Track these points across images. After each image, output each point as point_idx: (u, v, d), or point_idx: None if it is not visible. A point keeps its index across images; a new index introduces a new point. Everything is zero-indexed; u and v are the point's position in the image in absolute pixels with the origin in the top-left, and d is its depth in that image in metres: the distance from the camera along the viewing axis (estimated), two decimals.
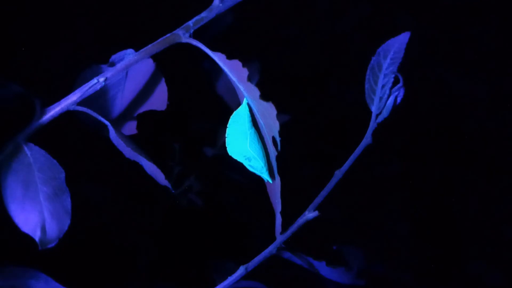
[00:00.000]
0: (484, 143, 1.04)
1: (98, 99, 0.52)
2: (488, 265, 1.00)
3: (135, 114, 0.55)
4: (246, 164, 0.44)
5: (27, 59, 0.78)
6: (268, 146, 0.44)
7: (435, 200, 1.03)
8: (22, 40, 0.78)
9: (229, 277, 0.50)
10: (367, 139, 0.48)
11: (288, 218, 0.48)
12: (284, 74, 0.99)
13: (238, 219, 0.89)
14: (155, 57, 0.48)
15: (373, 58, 0.46)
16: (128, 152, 0.44)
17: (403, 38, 0.45)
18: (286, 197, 0.44)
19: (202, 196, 0.82)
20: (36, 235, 0.40)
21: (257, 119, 0.44)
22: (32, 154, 0.43)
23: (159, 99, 0.54)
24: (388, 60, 0.46)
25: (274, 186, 0.44)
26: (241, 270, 0.50)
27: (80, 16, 0.82)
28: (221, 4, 0.46)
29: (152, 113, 0.55)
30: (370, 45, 0.48)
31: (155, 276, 0.81)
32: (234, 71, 0.42)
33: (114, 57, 0.49)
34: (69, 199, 0.42)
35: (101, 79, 0.45)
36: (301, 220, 0.49)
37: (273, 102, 0.41)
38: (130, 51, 0.47)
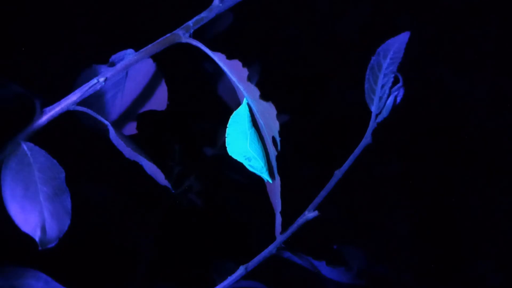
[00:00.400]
0: (484, 143, 1.04)
1: (98, 99, 0.52)
2: (488, 265, 1.00)
3: (135, 114, 0.55)
4: (246, 164, 0.44)
5: (27, 59, 0.78)
6: (268, 146, 0.44)
7: (435, 200, 1.03)
8: (22, 40, 0.78)
9: (229, 277, 0.50)
10: (367, 139, 0.48)
11: (288, 218, 0.48)
12: (284, 74, 0.99)
13: (238, 219, 0.89)
14: (155, 57, 0.48)
15: (373, 58, 0.46)
16: (128, 152, 0.44)
17: (402, 38, 0.45)
18: (286, 197, 0.44)
19: (202, 196, 0.82)
20: (36, 235, 0.40)
21: (257, 119, 0.44)
22: (32, 154, 0.43)
23: (159, 99, 0.54)
24: (388, 60, 0.46)
25: (274, 186, 0.44)
26: (241, 270, 0.50)
27: (80, 16, 0.83)
28: (221, 4, 0.46)
29: (152, 113, 0.55)
30: (370, 45, 0.48)
31: (155, 276, 0.81)
32: (234, 71, 0.42)
33: (114, 57, 0.49)
34: (69, 199, 0.42)
35: (101, 79, 0.45)
36: (301, 220, 0.49)
37: (273, 102, 0.41)
38: (130, 51, 0.47)
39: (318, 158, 0.97)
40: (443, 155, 1.03)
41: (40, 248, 0.40)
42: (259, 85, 0.41)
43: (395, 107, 0.47)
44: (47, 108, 0.45)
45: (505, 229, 1.01)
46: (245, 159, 0.44)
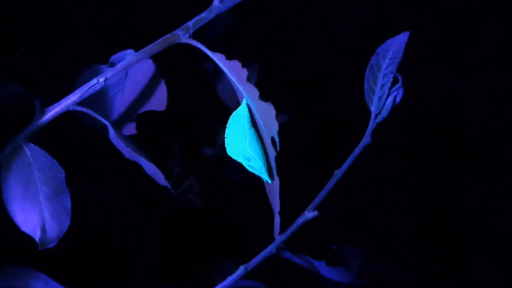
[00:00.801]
0: (484, 143, 1.04)
1: (98, 99, 0.52)
2: (488, 265, 1.00)
3: (135, 115, 0.55)
4: (245, 164, 0.44)
5: (27, 59, 0.78)
6: (267, 146, 0.44)
7: (435, 200, 1.03)
8: (22, 40, 0.78)
9: (228, 277, 0.50)
10: (366, 139, 0.48)
11: (288, 218, 0.48)
12: (283, 74, 0.99)
13: (238, 219, 0.89)
14: (155, 57, 0.49)
15: (372, 58, 0.46)
16: (128, 152, 0.44)
17: (402, 38, 0.45)
18: (285, 197, 0.44)
19: (202, 196, 0.82)
20: (36, 235, 0.40)
21: (256, 120, 0.44)
22: (32, 154, 0.43)
23: (158, 99, 0.54)
24: (387, 60, 0.46)
25: (273, 186, 0.44)
26: (240, 270, 0.50)
27: (80, 16, 0.83)
28: (220, 5, 0.46)
29: (151, 113, 0.55)
30: (370, 45, 0.48)
31: (155, 276, 0.81)
32: (233, 72, 0.42)
33: (114, 57, 0.49)
34: (69, 199, 0.42)
35: (101, 79, 0.45)
36: (300, 220, 0.49)
37: (273, 103, 0.41)
38: (130, 51, 0.47)
39: (317, 158, 0.97)
40: (443, 155, 1.03)
41: (40, 248, 0.40)
42: (258, 85, 0.41)
43: (394, 107, 0.47)
44: (47, 108, 0.45)
45: (505, 229, 1.01)
46: (245, 159, 0.44)
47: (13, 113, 0.49)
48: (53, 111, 0.45)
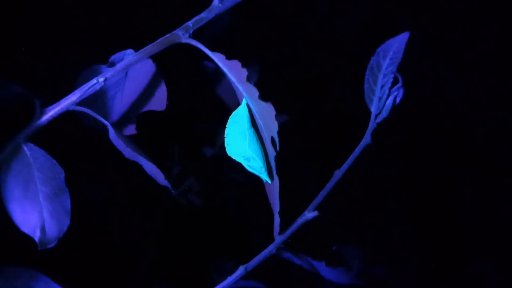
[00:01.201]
0: (484, 143, 1.04)
1: (98, 99, 0.52)
2: (488, 265, 1.00)
3: (135, 114, 0.55)
4: (245, 164, 0.44)
5: (27, 59, 0.78)
6: (267, 146, 0.44)
7: (435, 200, 1.03)
8: (22, 40, 0.78)
9: (228, 277, 0.50)
10: (366, 139, 0.48)
11: (288, 218, 0.48)
12: (283, 74, 0.99)
13: (238, 219, 0.89)
14: (154, 57, 0.49)
15: (373, 58, 0.46)
16: (128, 152, 0.44)
17: (402, 38, 0.45)
18: (285, 197, 0.44)
19: (202, 196, 0.82)
20: (36, 235, 0.40)
21: (256, 119, 0.44)
22: (31, 154, 0.43)
23: (158, 99, 0.54)
24: (387, 60, 0.46)
25: (273, 187, 0.44)
26: (240, 270, 0.50)
27: (80, 16, 0.82)
28: (220, 5, 0.46)
29: (151, 113, 0.55)
30: (370, 45, 0.48)
31: (155, 276, 0.81)
32: (233, 71, 0.42)
33: (113, 57, 0.49)
34: (68, 199, 0.42)
35: (101, 79, 0.45)
36: (300, 220, 0.49)
37: (272, 102, 0.41)
38: (129, 51, 0.47)
39: (318, 158, 0.97)
40: (443, 155, 1.03)
41: (39, 248, 0.40)
42: (258, 85, 0.41)
43: (394, 108, 0.47)
44: (47, 108, 0.45)
45: (505, 229, 1.01)
46: (244, 159, 0.44)
47: (13, 113, 0.49)
48: (53, 111, 0.45)
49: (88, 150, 0.76)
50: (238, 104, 0.45)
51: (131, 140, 0.47)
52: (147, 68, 0.53)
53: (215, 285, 0.50)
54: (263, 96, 0.41)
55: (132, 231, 0.83)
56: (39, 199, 0.41)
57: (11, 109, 0.49)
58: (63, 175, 0.43)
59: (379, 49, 0.46)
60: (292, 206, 0.48)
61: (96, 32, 0.83)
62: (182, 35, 0.46)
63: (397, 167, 1.03)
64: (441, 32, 1.04)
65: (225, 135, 0.44)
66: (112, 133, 0.45)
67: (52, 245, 0.41)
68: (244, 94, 0.43)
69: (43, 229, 0.40)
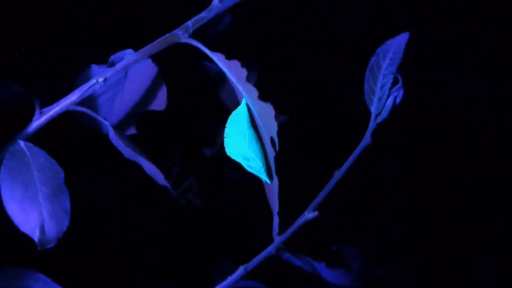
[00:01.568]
0: (484, 143, 1.04)
1: (98, 99, 0.52)
2: (488, 265, 1.00)
3: (135, 114, 0.55)
4: (244, 164, 0.44)
5: (27, 59, 0.78)
6: (266, 147, 0.44)
7: (435, 200, 1.03)
8: (22, 40, 0.78)
9: (228, 277, 0.50)
10: (366, 139, 0.48)
11: (288, 219, 0.48)
12: (283, 74, 0.99)
13: (238, 219, 0.89)
14: (154, 57, 0.49)
15: (372, 59, 0.46)
16: (128, 152, 0.44)
17: (402, 38, 0.45)
18: (285, 198, 0.44)
19: (202, 196, 0.82)
20: (35, 236, 0.40)
21: (255, 120, 0.44)
22: (31, 154, 0.43)
23: (158, 99, 0.54)
24: (387, 61, 0.46)
25: (272, 187, 0.44)
26: (240, 270, 0.50)
27: (80, 16, 0.82)
28: (220, 4, 0.46)
29: (151, 113, 0.55)
30: (370, 45, 0.48)
31: (155, 276, 0.81)
32: (233, 71, 0.42)
33: (113, 57, 0.49)
34: (68, 199, 0.42)
35: (101, 79, 0.45)
36: (300, 221, 0.49)
37: (272, 102, 0.41)
38: (129, 51, 0.47)
39: (318, 158, 0.97)
40: (443, 155, 1.03)
41: (39, 248, 0.40)
42: (258, 85, 0.41)
43: (394, 108, 0.47)
44: (47, 108, 0.45)
45: (505, 229, 1.01)
46: (244, 159, 0.44)
47: (12, 113, 0.49)
48: (52, 111, 0.45)
49: (88, 150, 0.76)
50: (237, 104, 0.45)
51: (131, 140, 0.47)
52: (147, 68, 0.53)
53: (215, 285, 0.50)
54: (263, 96, 0.41)
55: (132, 231, 0.83)
56: (38, 199, 0.41)
57: (11, 109, 0.49)
58: (62, 175, 0.43)
59: (379, 49, 0.46)
60: (292, 206, 0.48)
61: (96, 32, 0.83)
62: (182, 35, 0.46)
63: (397, 167, 1.03)
64: (441, 32, 1.04)
65: (224, 135, 0.44)
66: (112, 133, 0.45)
67: (52, 245, 0.41)
68: (244, 94, 0.43)
69: (42, 229, 0.40)
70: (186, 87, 0.80)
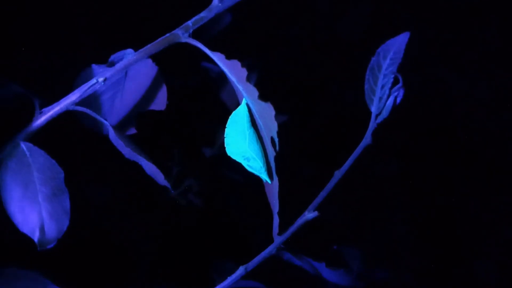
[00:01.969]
0: (484, 143, 1.04)
1: (98, 99, 0.52)
2: (488, 265, 0.99)
3: (135, 114, 0.55)
4: (245, 164, 0.44)
5: (27, 59, 0.77)
6: (266, 146, 0.44)
7: (435, 200, 1.03)
8: (22, 40, 0.78)
9: (228, 277, 0.50)
10: (366, 139, 0.48)
11: (288, 218, 0.48)
12: (283, 74, 0.98)
13: (238, 219, 0.88)
14: (154, 57, 0.48)
15: (373, 59, 0.46)
16: (128, 152, 0.44)
17: (402, 38, 0.45)
18: (285, 198, 0.43)
19: (202, 196, 0.82)
20: (35, 236, 0.40)
21: (256, 119, 0.44)
22: (31, 154, 0.43)
23: (158, 99, 0.54)
24: (387, 61, 0.46)
25: (272, 187, 0.44)
26: (240, 270, 0.50)
27: (80, 16, 0.82)
28: (220, 4, 0.46)
29: (151, 113, 0.55)
30: (370, 45, 0.48)
31: (155, 276, 0.81)
32: (233, 71, 0.42)
33: (113, 57, 0.49)
34: (68, 200, 0.42)
35: (101, 79, 0.45)
36: (300, 221, 0.49)
37: (272, 103, 0.41)
38: (129, 51, 0.47)
39: (318, 158, 0.97)
40: (443, 155, 1.03)
41: (38, 248, 0.40)
42: (257, 85, 0.41)
43: (395, 108, 0.47)
44: (46, 108, 0.45)
45: (505, 229, 1.01)
46: (244, 159, 0.44)
47: (12, 113, 0.49)
48: (52, 111, 0.45)
49: (88, 150, 0.76)
50: (238, 104, 0.45)
51: (131, 140, 0.47)
52: (147, 68, 0.53)
53: (215, 285, 0.50)
54: (263, 96, 0.41)
55: (132, 231, 0.82)
56: (38, 200, 0.41)
57: (11, 109, 0.49)
58: (62, 175, 0.43)
59: (379, 49, 0.46)
60: (292, 206, 0.48)
61: (96, 32, 0.83)
62: (182, 34, 0.45)
63: (397, 167, 1.03)
64: (441, 32, 1.04)
65: (225, 135, 0.44)
66: (112, 133, 0.44)
67: (52, 245, 0.41)
68: (244, 94, 0.43)
69: (42, 230, 0.40)
70: (186, 87, 0.80)
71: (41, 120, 0.45)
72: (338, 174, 0.49)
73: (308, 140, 0.99)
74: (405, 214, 1.02)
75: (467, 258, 1.00)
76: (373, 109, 0.47)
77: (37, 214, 0.40)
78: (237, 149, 0.44)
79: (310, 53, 1.01)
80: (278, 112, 0.41)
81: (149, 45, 0.46)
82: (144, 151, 0.46)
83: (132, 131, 0.55)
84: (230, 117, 0.44)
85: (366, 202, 1.00)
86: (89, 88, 0.45)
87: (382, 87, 0.46)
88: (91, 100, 0.51)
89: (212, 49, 0.44)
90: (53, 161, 0.43)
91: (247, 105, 0.44)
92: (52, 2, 0.78)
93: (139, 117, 0.55)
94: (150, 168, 0.44)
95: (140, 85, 0.53)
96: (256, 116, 0.43)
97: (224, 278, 0.50)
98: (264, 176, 0.44)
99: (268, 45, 0.98)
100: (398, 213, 1.01)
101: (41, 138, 0.45)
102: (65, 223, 0.41)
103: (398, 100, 0.47)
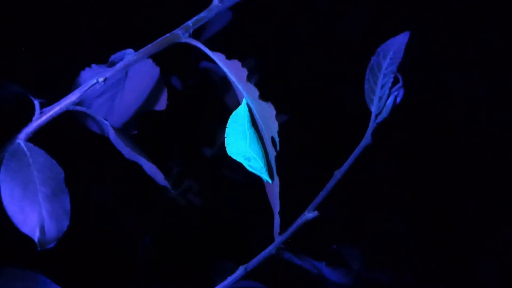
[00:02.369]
0: (484, 143, 1.04)
1: (98, 99, 0.52)
2: (488, 265, 1.00)
3: (135, 114, 0.55)
4: (245, 164, 0.44)
5: (27, 59, 0.78)
6: (267, 146, 0.44)
7: (435, 200, 1.03)
8: (22, 40, 0.78)
9: (228, 277, 0.50)
10: (366, 139, 0.48)
11: (288, 218, 0.48)
12: (284, 74, 0.99)
13: (237, 219, 0.89)
14: (154, 57, 0.48)
15: (373, 58, 0.46)
16: (128, 152, 0.44)
17: (402, 38, 0.45)
18: (285, 197, 0.43)
19: (202, 196, 0.82)
20: (35, 236, 0.40)
21: (256, 119, 0.44)
22: (31, 154, 0.43)
23: (158, 99, 0.54)
24: (387, 60, 0.46)
25: (273, 186, 0.44)
26: (240, 270, 0.50)
27: (80, 16, 0.82)
28: (220, 4, 0.46)
29: (151, 113, 0.55)
30: (370, 45, 0.48)
31: (155, 276, 0.81)
32: (233, 71, 0.42)
33: (113, 57, 0.49)
34: (68, 200, 0.42)
35: (101, 79, 0.45)
36: (300, 220, 0.49)
37: (273, 102, 0.41)
38: (129, 51, 0.47)
39: (318, 158, 0.97)
40: (443, 155, 1.03)
41: (39, 248, 0.40)
42: (258, 85, 0.41)
43: (395, 107, 0.47)
44: (47, 108, 0.45)
45: (505, 229, 1.01)
46: (245, 159, 0.44)
47: (12, 113, 0.49)
48: (52, 111, 0.45)
49: (88, 150, 0.76)
50: (238, 103, 0.45)
51: (131, 140, 0.47)
52: (147, 68, 0.53)
53: (215, 285, 0.50)
54: (263, 96, 0.41)
55: (132, 231, 0.83)
56: (38, 199, 0.41)
57: (11, 109, 0.49)
58: (62, 175, 0.43)
59: (379, 49, 0.46)
60: (292, 206, 0.48)
61: (96, 32, 0.83)
62: (182, 34, 0.45)
63: (397, 167, 1.03)
64: (441, 32, 1.04)
65: (225, 135, 0.44)
66: (112, 133, 0.44)
67: (52, 245, 0.41)
68: (244, 94, 0.43)
69: (42, 229, 0.40)
70: (186, 87, 0.80)
71: (41, 120, 0.45)
72: (338, 174, 0.49)
73: (308, 140, 0.99)
74: (405, 214, 1.02)
75: (467, 258, 1.01)
76: (373, 109, 0.47)
77: (37, 214, 0.40)
78: (238, 149, 0.44)
79: (310, 53, 1.01)
80: (279, 112, 0.41)
81: (149, 45, 0.46)
82: (144, 151, 0.46)
83: (132, 131, 0.55)
84: (230, 117, 0.44)
85: (366, 202, 1.00)
86: (89, 88, 0.45)
87: (382, 86, 0.46)
88: (91, 100, 0.51)
89: (212, 49, 0.43)
90: (53, 161, 0.43)
91: (248, 105, 0.44)
92: (52, 2, 0.78)
93: (139, 117, 0.55)
94: (150, 168, 0.44)
95: (140, 85, 0.53)
96: (257, 116, 0.43)
97: (224, 278, 0.50)
98: (265, 176, 0.44)
99: (268, 45, 0.98)
100: (398, 213, 1.01)
101: (41, 138, 0.45)
102: (65, 223, 0.41)
103: (398, 100, 0.47)
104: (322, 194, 0.49)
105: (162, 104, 0.54)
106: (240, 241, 0.87)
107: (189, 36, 0.46)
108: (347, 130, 0.92)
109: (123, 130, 0.55)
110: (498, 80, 1.05)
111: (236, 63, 0.42)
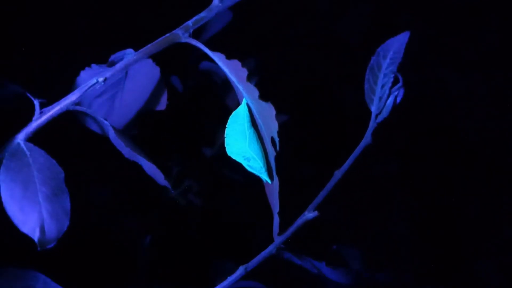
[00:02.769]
0: (484, 143, 1.04)
1: (98, 99, 0.52)
2: (488, 265, 1.00)
3: (135, 114, 0.55)
4: (245, 164, 0.44)
5: (27, 59, 0.77)
6: (267, 146, 0.44)
7: (435, 200, 1.03)
8: (22, 40, 0.78)
9: (228, 277, 0.50)
10: (366, 139, 0.48)
11: (288, 218, 0.48)
12: (283, 74, 0.98)
13: (237, 219, 0.88)
14: (154, 57, 0.48)
15: (373, 58, 0.46)
16: (128, 152, 0.44)
17: (402, 38, 0.45)
18: (285, 197, 0.43)
19: (202, 196, 0.82)
20: (35, 236, 0.40)
21: (256, 119, 0.44)
22: (31, 154, 0.43)
23: (158, 99, 0.54)
24: (387, 60, 0.46)
25: (273, 187, 0.44)
26: (240, 270, 0.50)
27: (80, 16, 0.82)
28: (220, 4, 0.46)
29: (151, 113, 0.55)
30: (370, 45, 0.48)
31: (155, 276, 0.81)
32: (233, 71, 0.42)
33: (113, 57, 0.49)
34: (68, 200, 0.42)
35: (101, 79, 0.45)
36: (300, 220, 0.49)
37: (272, 102, 0.41)
38: (129, 51, 0.47)
39: (318, 158, 0.97)
40: (443, 155, 1.03)
41: (39, 248, 0.40)
42: (258, 85, 0.41)
43: (395, 107, 0.47)
44: (47, 108, 0.45)
45: (505, 229, 1.01)
46: (244, 159, 0.44)
47: (12, 113, 0.49)
48: (52, 111, 0.45)
49: (88, 150, 0.76)
50: (238, 103, 0.45)
51: (131, 140, 0.47)
52: (147, 68, 0.53)
53: (215, 285, 0.50)
54: (263, 96, 0.41)
55: (132, 231, 0.82)
56: (38, 199, 0.41)
57: (11, 109, 0.49)
58: (62, 175, 0.43)
59: (379, 49, 0.46)
60: (292, 206, 0.48)
61: (96, 32, 0.83)
62: (182, 34, 0.45)
63: (397, 167, 1.03)
64: (441, 32, 1.04)
65: (225, 135, 0.44)
66: (112, 133, 0.44)
67: (52, 245, 0.41)
68: (244, 93, 0.43)
69: (42, 229, 0.40)
70: (186, 87, 0.80)
71: (41, 120, 0.45)
72: (338, 174, 0.49)
73: (308, 140, 0.99)
74: (405, 214, 1.02)
75: (467, 258, 1.01)
76: (373, 109, 0.47)
77: (37, 214, 0.40)
78: (237, 149, 0.44)
79: (310, 53, 1.01)
80: (279, 112, 0.41)
81: (149, 45, 0.46)
82: (144, 151, 0.46)
83: (132, 131, 0.55)
84: (230, 117, 0.44)
85: (366, 202, 1.00)
86: (89, 88, 0.45)
87: (382, 86, 0.46)
88: (91, 100, 0.51)
89: (212, 49, 0.43)
90: (53, 161, 0.43)
91: (248, 105, 0.44)
92: (52, 2, 0.78)
93: (139, 117, 0.55)
94: (150, 168, 0.44)
95: (140, 85, 0.53)
96: (257, 116, 0.43)
97: (224, 278, 0.50)
98: (264, 176, 0.44)
99: (268, 45, 0.98)
100: (398, 213, 1.01)
101: (41, 138, 0.45)
102: (65, 223, 0.41)
103: (398, 99, 0.47)
104: (322, 194, 0.49)
105: (162, 104, 0.54)
106: (240, 241, 0.87)
107: (189, 36, 0.46)
108: (347, 130, 0.92)
109: (123, 130, 0.55)
110: (498, 80, 1.05)
111: (236, 63, 0.42)
